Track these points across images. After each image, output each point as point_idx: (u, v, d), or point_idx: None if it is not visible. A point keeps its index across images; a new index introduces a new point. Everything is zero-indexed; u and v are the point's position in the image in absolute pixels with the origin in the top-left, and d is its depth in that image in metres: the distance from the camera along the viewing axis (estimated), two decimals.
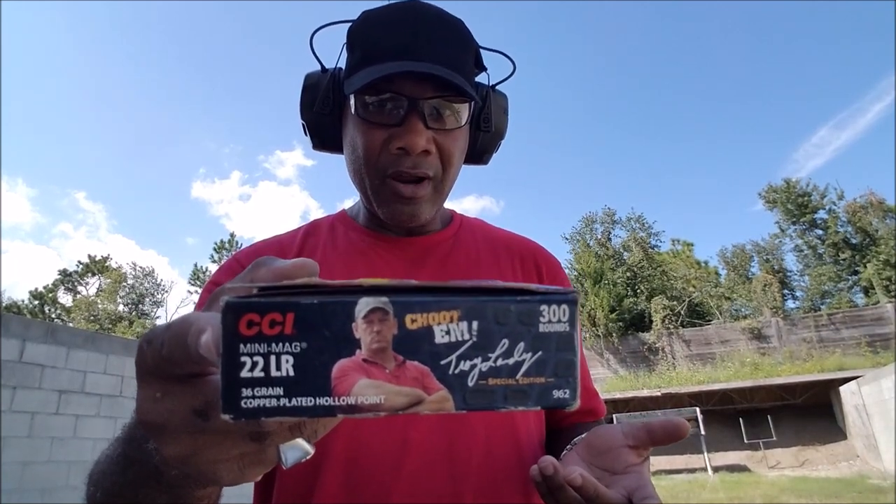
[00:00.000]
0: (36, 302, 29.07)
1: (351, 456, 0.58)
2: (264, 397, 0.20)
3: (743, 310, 22.69)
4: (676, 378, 17.43)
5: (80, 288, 30.61)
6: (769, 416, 14.76)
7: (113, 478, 0.37)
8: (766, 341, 18.56)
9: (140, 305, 30.57)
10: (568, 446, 0.60)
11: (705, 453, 13.98)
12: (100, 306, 28.63)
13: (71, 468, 4.57)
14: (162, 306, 31.15)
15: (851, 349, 16.73)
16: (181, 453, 0.26)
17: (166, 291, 31.60)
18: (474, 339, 0.21)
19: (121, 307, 29.71)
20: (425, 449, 0.59)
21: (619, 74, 48.41)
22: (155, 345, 0.25)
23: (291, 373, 0.20)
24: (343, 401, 0.20)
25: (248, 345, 0.20)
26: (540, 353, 0.21)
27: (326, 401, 0.20)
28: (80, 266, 30.87)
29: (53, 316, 28.63)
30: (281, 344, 0.20)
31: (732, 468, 13.87)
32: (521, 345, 0.21)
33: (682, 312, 21.24)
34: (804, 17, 42.73)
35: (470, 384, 0.21)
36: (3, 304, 27.49)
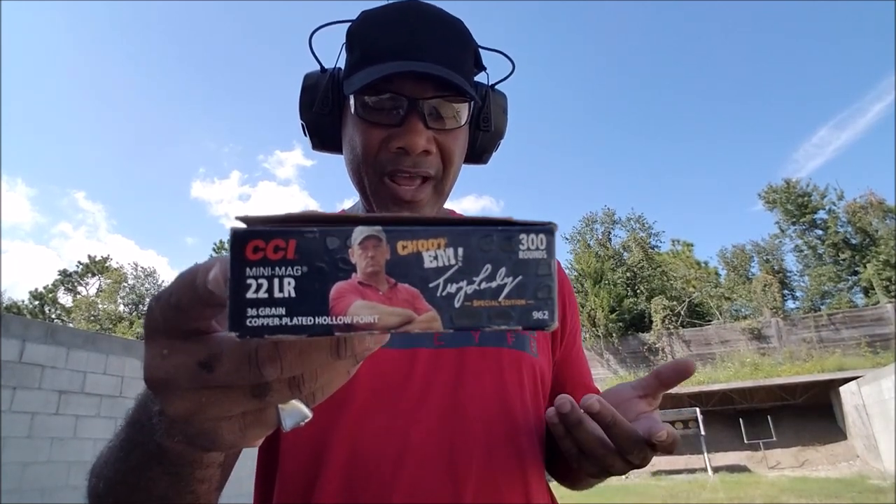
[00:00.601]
0: (36, 302, 29.06)
1: (351, 456, 0.58)
2: (268, 316, 0.21)
3: (743, 310, 22.69)
4: None
5: (80, 288, 30.61)
6: (769, 417, 14.75)
7: (116, 465, 0.38)
8: (766, 341, 18.56)
9: (140, 306, 30.54)
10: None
11: (705, 453, 13.97)
12: (100, 307, 28.62)
13: (71, 468, 4.57)
14: None
15: (851, 349, 16.72)
16: (186, 410, 0.27)
17: None
18: (460, 264, 0.23)
19: (121, 307, 29.71)
20: (425, 449, 0.59)
21: (620, 74, 48.43)
22: (164, 298, 0.26)
23: (293, 294, 0.22)
24: (340, 320, 0.22)
25: (254, 268, 0.22)
26: (521, 277, 0.23)
27: (325, 320, 0.22)
28: (80, 266, 30.87)
29: (53, 316, 28.62)
30: (283, 268, 0.22)
31: (732, 468, 13.86)
32: (503, 270, 0.23)
33: (682, 313, 21.23)
34: (804, 17, 42.75)
35: (456, 305, 0.23)
36: (3, 304, 27.48)
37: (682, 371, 0.53)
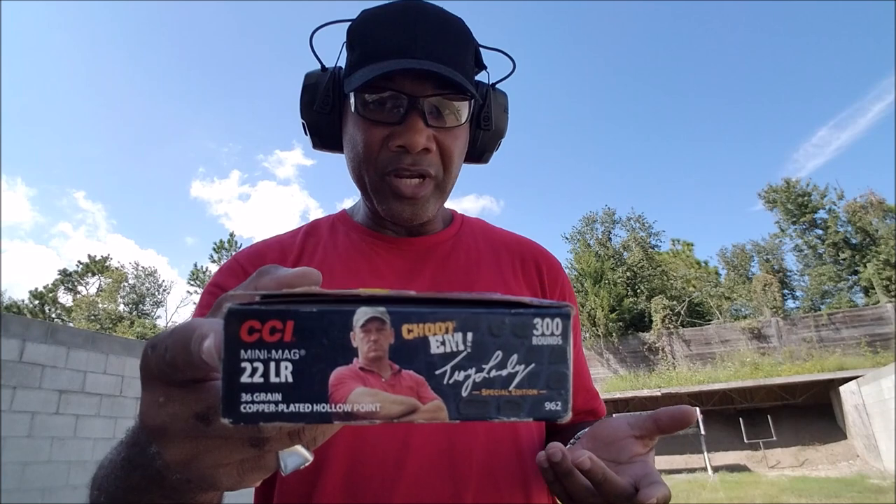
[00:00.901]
0: (36, 302, 29.06)
1: (351, 458, 0.58)
2: (263, 402, 0.21)
3: (743, 310, 22.69)
4: (676, 378, 17.43)
5: (80, 288, 30.61)
6: (769, 416, 14.75)
7: (116, 482, 0.37)
8: (766, 341, 18.56)
9: (140, 305, 30.57)
10: (572, 440, 0.60)
11: (705, 453, 13.97)
12: (100, 306, 28.63)
13: (71, 468, 4.57)
14: (162, 306, 31.17)
15: (851, 349, 16.72)
16: (183, 457, 0.27)
17: (167, 292, 31.61)
18: (469, 350, 0.22)
19: (121, 307, 29.71)
20: (426, 451, 0.59)
21: (620, 74, 48.44)
22: (159, 350, 0.26)
23: (290, 379, 0.21)
24: (339, 408, 0.21)
25: (249, 351, 0.21)
26: (533, 365, 0.22)
27: (323, 407, 0.21)
28: (80, 266, 30.87)
29: (53, 316, 28.63)
30: (280, 351, 0.21)
31: (732, 468, 13.86)
32: (515, 357, 0.22)
33: (682, 312, 21.23)
34: (804, 17, 42.75)
35: (464, 394, 0.21)
36: (4, 304, 27.48)
37: (682, 420, 0.51)
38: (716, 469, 13.61)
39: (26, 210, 49.57)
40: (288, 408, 0.21)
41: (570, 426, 0.78)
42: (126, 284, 30.43)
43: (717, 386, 15.99)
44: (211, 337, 0.23)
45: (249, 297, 0.22)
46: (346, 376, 0.21)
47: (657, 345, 19.74)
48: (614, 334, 20.78)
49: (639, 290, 23.43)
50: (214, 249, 29.66)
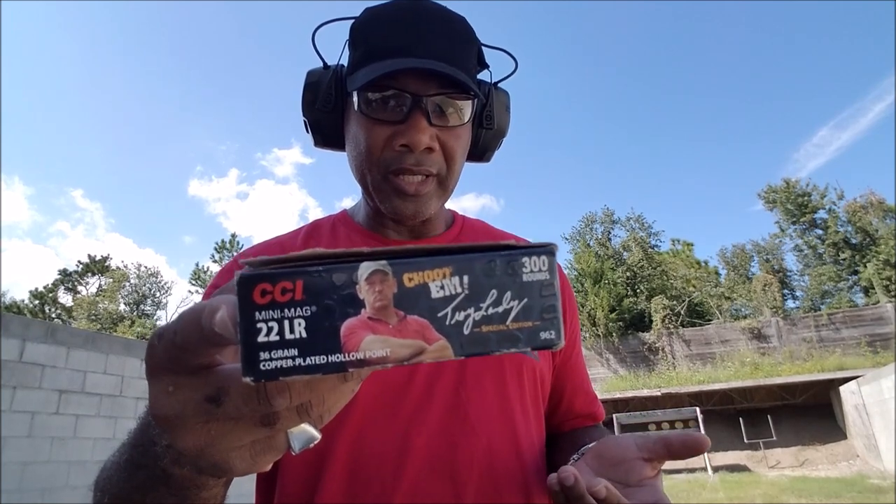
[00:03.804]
0: (36, 302, 29.05)
1: (353, 458, 0.58)
2: (281, 358, 0.22)
3: (743, 310, 22.69)
4: (676, 378, 17.43)
5: (80, 288, 30.61)
6: (769, 416, 14.74)
7: (120, 483, 0.37)
8: (766, 341, 18.56)
9: (141, 305, 30.57)
10: (574, 455, 0.59)
11: (705, 453, 13.93)
12: (101, 306, 28.63)
13: (71, 468, 4.57)
14: (163, 308, 31.17)
15: (851, 349, 16.72)
16: (196, 444, 0.27)
17: (168, 292, 31.61)
18: (466, 291, 0.23)
19: (122, 307, 29.71)
20: (427, 452, 0.59)
21: (620, 74, 48.44)
22: (167, 336, 0.26)
23: (304, 334, 0.22)
24: (353, 356, 0.22)
25: (263, 312, 0.22)
26: (526, 300, 0.24)
27: (337, 357, 0.22)
28: (80, 266, 30.87)
29: (53, 316, 28.62)
30: (293, 309, 0.22)
31: (732, 468, 13.86)
32: (509, 294, 0.23)
33: (682, 312, 21.23)
34: (804, 16, 42.76)
35: (466, 332, 0.23)
36: (4, 304, 27.48)
37: (694, 447, 0.50)
38: (716, 469, 13.61)
39: (24, 209, 49.60)
40: (304, 361, 0.22)
41: (569, 432, 0.78)
42: (128, 284, 30.44)
43: (717, 386, 15.99)
44: (223, 308, 0.23)
45: (257, 265, 0.23)
46: (356, 326, 0.22)
47: (657, 345, 19.73)
48: (614, 334, 20.78)
49: (639, 290, 23.43)
50: (216, 250, 29.68)
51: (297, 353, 0.22)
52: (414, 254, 0.24)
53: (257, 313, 0.22)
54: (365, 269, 0.23)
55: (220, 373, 0.26)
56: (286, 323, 0.22)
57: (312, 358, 0.22)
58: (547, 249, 0.24)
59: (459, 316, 0.23)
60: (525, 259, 0.24)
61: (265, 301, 0.22)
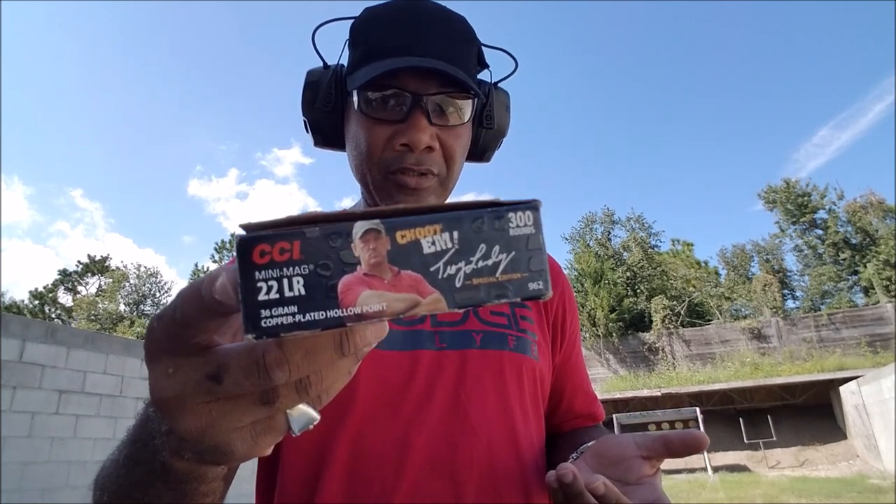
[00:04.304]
0: (36, 302, 29.05)
1: (353, 458, 0.58)
2: (281, 315, 0.22)
3: (743, 310, 22.68)
4: (676, 378, 17.43)
5: (79, 288, 30.60)
6: (769, 416, 14.75)
7: (119, 480, 0.37)
8: (766, 341, 18.56)
9: (141, 305, 30.56)
10: (574, 454, 0.59)
11: (705, 453, 13.96)
12: (100, 306, 28.63)
13: (71, 468, 4.57)
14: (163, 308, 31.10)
15: (851, 349, 16.72)
16: (197, 426, 0.27)
17: (168, 292, 31.59)
18: (457, 246, 0.24)
19: (122, 307, 29.71)
20: (427, 452, 0.59)
21: (620, 74, 48.45)
22: (166, 316, 0.26)
23: (303, 292, 0.23)
24: (350, 311, 0.23)
25: (263, 271, 0.23)
26: (513, 252, 0.24)
27: (336, 312, 0.23)
28: (80, 266, 30.87)
29: (53, 316, 28.61)
30: (291, 268, 0.23)
31: (732, 468, 13.87)
32: (497, 247, 0.24)
33: (682, 312, 21.23)
34: (804, 16, 42.76)
35: (458, 285, 0.24)
36: (4, 304, 27.47)
37: (693, 446, 0.50)
38: (716, 469, 13.62)
39: (24, 209, 49.61)
40: (304, 317, 0.22)
41: (569, 431, 0.78)
42: (127, 284, 30.44)
43: (717, 386, 15.99)
44: (222, 275, 0.24)
45: (256, 227, 0.24)
46: (352, 282, 0.23)
47: (657, 345, 19.73)
48: (614, 334, 20.78)
49: (639, 290, 23.43)
50: (216, 250, 29.72)
51: (296, 310, 0.22)
52: (405, 213, 0.24)
53: (257, 273, 0.22)
54: (359, 227, 0.23)
55: (219, 351, 0.26)
56: (285, 281, 0.23)
57: (311, 314, 0.23)
58: (531, 205, 0.25)
59: (451, 270, 0.24)
60: (511, 214, 0.25)
61: (264, 261, 0.23)
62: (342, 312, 0.23)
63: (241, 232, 0.23)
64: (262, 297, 0.22)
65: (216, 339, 0.27)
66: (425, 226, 0.24)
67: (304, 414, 0.28)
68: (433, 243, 0.24)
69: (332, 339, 0.25)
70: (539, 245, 0.25)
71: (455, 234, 0.24)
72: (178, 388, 0.27)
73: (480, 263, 0.24)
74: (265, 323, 0.22)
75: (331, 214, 0.24)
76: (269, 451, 0.29)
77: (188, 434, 0.28)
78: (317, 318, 0.23)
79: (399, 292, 0.23)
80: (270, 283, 0.23)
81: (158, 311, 0.27)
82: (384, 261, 0.23)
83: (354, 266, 0.23)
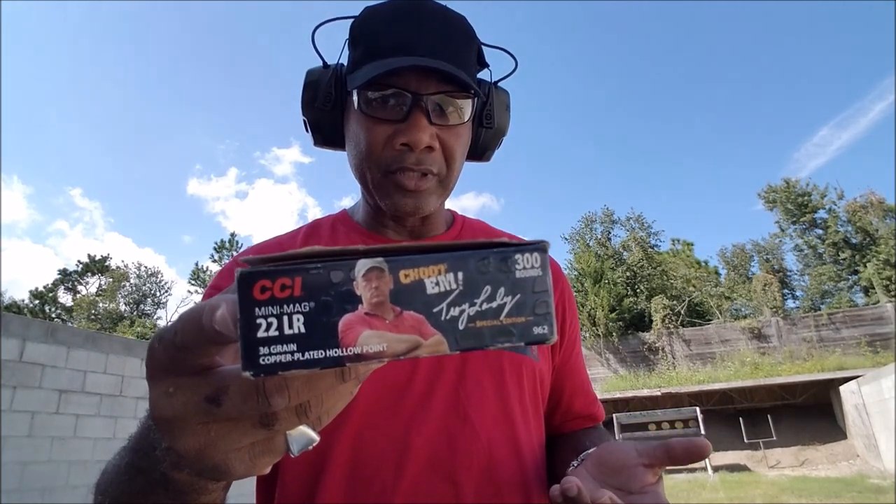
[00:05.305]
0: (36, 301, 29.04)
1: (353, 458, 0.58)
2: (280, 353, 0.22)
3: (743, 309, 22.68)
4: (676, 378, 17.42)
5: (79, 287, 30.60)
6: (769, 416, 14.74)
7: (121, 487, 0.37)
8: (766, 341, 18.55)
9: (141, 305, 30.56)
10: (574, 462, 0.59)
11: None
12: (100, 305, 28.63)
13: (71, 468, 4.57)
14: (163, 307, 31.15)
15: (851, 349, 16.72)
16: (195, 446, 0.27)
17: (168, 292, 31.60)
18: (461, 287, 0.24)
19: (122, 306, 29.70)
20: (427, 452, 0.59)
21: (620, 74, 48.44)
22: (167, 338, 0.26)
23: (302, 330, 0.22)
24: (350, 351, 0.23)
25: (263, 308, 0.22)
26: (519, 295, 0.24)
27: (335, 352, 0.23)
28: (80, 265, 30.86)
29: (53, 316, 28.61)
30: (291, 305, 0.23)
31: (732, 468, 13.86)
32: (502, 290, 0.24)
33: (682, 312, 21.22)
34: (805, 16, 42.75)
35: (461, 327, 0.23)
36: (4, 304, 27.47)
37: (696, 453, 0.50)
38: (716, 469, 13.61)
39: (23, 208, 49.59)
40: (303, 356, 0.22)
41: (569, 432, 0.77)
42: (127, 284, 30.43)
43: (717, 386, 15.98)
44: (223, 306, 0.24)
45: (256, 263, 0.23)
46: (353, 322, 0.23)
47: (657, 345, 19.72)
48: (614, 334, 20.77)
49: (639, 290, 23.42)
50: (215, 249, 29.69)
51: (295, 348, 0.22)
52: (409, 251, 0.24)
53: (257, 309, 0.22)
54: (362, 266, 0.23)
55: (219, 373, 0.26)
56: (285, 318, 0.22)
57: (311, 352, 0.22)
58: (539, 246, 0.25)
59: (454, 311, 0.23)
60: (518, 256, 0.24)
61: (265, 297, 0.22)
62: (342, 352, 0.23)
63: (243, 267, 0.23)
64: (261, 333, 0.22)
65: (217, 359, 0.27)
66: (430, 265, 0.24)
67: (304, 435, 0.28)
68: (437, 283, 0.24)
69: (332, 371, 0.24)
70: (545, 287, 0.24)
71: (460, 274, 0.24)
72: (178, 408, 0.27)
73: (485, 306, 0.24)
74: (263, 360, 0.22)
75: (334, 250, 0.24)
76: (267, 471, 0.29)
77: (186, 453, 0.28)
78: (316, 356, 0.22)
79: (400, 333, 0.23)
80: (270, 319, 0.22)
81: (160, 330, 0.27)
82: (386, 300, 0.23)
83: (356, 305, 0.23)
